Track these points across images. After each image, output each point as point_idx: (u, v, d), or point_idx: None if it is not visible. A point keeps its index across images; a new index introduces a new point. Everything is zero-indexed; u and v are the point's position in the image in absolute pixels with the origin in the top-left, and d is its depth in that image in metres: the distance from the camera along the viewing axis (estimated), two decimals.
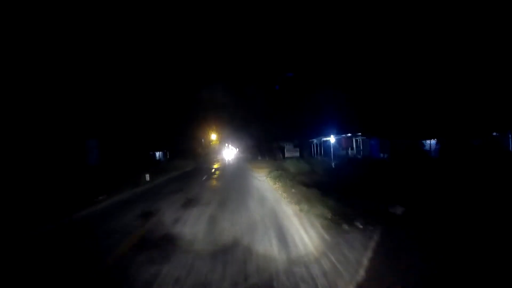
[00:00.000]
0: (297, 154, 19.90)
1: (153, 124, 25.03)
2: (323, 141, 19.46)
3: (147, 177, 12.26)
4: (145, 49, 22.55)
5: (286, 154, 20.13)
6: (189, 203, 6.34)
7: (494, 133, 15.96)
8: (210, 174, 14.24)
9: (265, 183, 9.61)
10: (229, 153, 50.01)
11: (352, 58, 19.85)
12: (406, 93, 18.44)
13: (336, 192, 6.80)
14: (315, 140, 19.89)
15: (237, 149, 53.24)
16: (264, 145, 28.71)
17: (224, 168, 18.61)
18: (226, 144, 54.82)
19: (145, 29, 22.44)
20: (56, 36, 14.61)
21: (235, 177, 12.20)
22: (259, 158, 30.37)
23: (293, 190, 7.56)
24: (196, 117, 35.47)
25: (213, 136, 48.97)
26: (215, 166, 21.86)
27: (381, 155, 19.92)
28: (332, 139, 20.05)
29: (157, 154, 33.22)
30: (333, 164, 16.60)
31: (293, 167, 13.92)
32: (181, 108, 30.29)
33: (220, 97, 32.30)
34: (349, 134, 19.12)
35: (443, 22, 16.67)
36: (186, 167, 20.59)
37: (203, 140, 46.22)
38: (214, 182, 10.52)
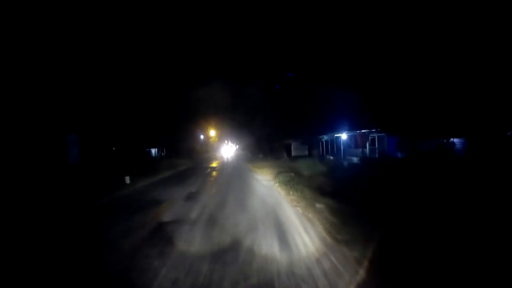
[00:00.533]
0: (306, 152, 17.63)
1: (150, 119, 23.02)
2: (335, 137, 17.19)
3: (127, 180, 10.03)
4: (143, 42, 20.25)
5: (293, 153, 17.85)
6: (161, 234, 4.00)
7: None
8: (205, 176, 12.01)
9: (274, 191, 7.39)
10: (228, 150, 47.71)
11: (368, 49, 17.54)
12: (429, 88, 16.23)
13: (381, 209, 4.63)
14: (325, 137, 17.64)
15: (237, 146, 50.93)
16: (266, 143, 26.52)
17: (222, 168, 16.37)
18: (226, 141, 52.62)
19: (146, 22, 20.10)
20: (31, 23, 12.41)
21: (234, 181, 9.98)
22: (261, 156, 28.33)
23: (317, 205, 5.35)
24: (195, 113, 33.30)
25: (212, 133, 46.80)
26: (213, 165, 19.64)
27: (398, 154, 17.72)
28: (344, 136, 17.84)
29: (153, 151, 31.44)
30: (350, 164, 14.42)
31: (305, 168, 11.69)
32: (180, 104, 28.13)
33: (220, 93, 30.09)
34: (363, 131, 16.87)
35: (472, 11, 14.47)
36: (180, 166, 18.36)
37: (202, 137, 44.07)
38: (208, 189, 8.30)
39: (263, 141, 27.05)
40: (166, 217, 4.91)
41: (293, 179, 9.14)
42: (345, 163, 15.11)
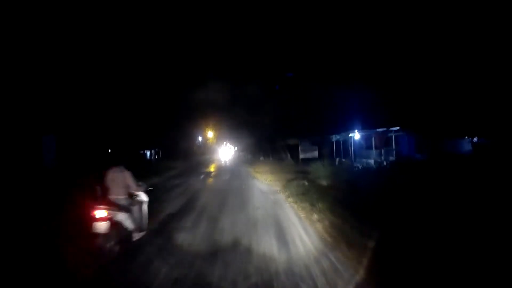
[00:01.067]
0: (315, 154, 15.38)
1: (144, 120, 21.01)
2: (350, 137, 14.99)
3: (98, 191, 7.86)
4: (137, 36, 18.00)
5: (301, 155, 15.61)
6: None
7: None
8: (197, 185, 9.80)
9: (288, 212, 5.21)
10: (227, 152, 45.39)
11: (386, 38, 15.38)
12: (459, 79, 14.11)
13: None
14: (337, 137, 15.46)
15: (236, 148, 48.66)
16: (268, 143, 24.33)
17: (219, 174, 14.17)
18: (224, 143, 50.39)
19: (140, 15, 17.83)
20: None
21: (233, 194, 7.78)
22: (261, 158, 26.27)
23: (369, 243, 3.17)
24: (193, 114, 31.14)
25: (210, 134, 44.63)
26: (209, 169, 17.45)
27: (417, 156, 15.56)
28: (357, 135, 15.67)
29: (148, 153, 29.54)
30: (371, 168, 12.28)
31: (319, 174, 9.46)
32: (177, 104, 25.98)
33: (218, 93, 27.93)
34: (380, 129, 14.67)
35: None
36: (172, 170, 16.21)
37: (200, 138, 41.91)
38: (196, 208, 6.12)
39: (263, 141, 24.87)
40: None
41: (309, 191, 6.97)
42: (364, 167, 12.98)
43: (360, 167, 13.52)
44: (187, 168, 18.61)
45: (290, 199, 6.13)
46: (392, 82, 15.66)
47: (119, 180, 3.42)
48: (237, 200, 6.47)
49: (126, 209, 3.36)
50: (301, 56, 19.05)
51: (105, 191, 3.38)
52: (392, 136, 15.67)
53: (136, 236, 3.55)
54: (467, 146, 17.34)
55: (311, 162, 14.83)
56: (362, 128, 15.52)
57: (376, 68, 16.13)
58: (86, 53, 14.67)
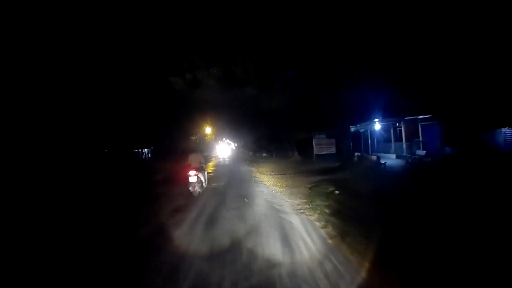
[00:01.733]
0: (333, 149, 12.93)
1: (138, 116, 18.94)
2: (371, 128, 12.53)
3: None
4: (129, 31, 15.26)
5: (316, 150, 13.11)
6: None
7: None
8: (182, 199, 7.35)
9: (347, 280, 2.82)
10: (226, 149, 42.95)
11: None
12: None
13: None
14: (357, 127, 13.00)
15: (235, 144, 46.14)
16: (271, 139, 21.96)
17: (217, 177, 11.73)
18: (223, 139, 47.93)
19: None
20: None
21: (231, 219, 5.36)
22: (264, 155, 24.08)
23: None
24: (190, 110, 28.78)
25: (208, 130, 42.03)
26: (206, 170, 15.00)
27: (447, 149, 13.17)
28: (377, 125, 13.28)
29: (144, 151, 27.47)
30: (405, 167, 9.90)
31: (351, 178, 7.07)
32: (173, 99, 23.58)
33: (216, 86, 25.43)
34: (408, 118, 12.21)
35: None
36: (163, 172, 13.81)
37: (198, 136, 39.37)
38: (186, 233, 3.72)
39: (265, 137, 22.49)
40: None
41: (348, 206, 4.57)
42: (393, 164, 10.60)
43: (387, 163, 11.19)
44: (180, 169, 16.16)
45: (330, 230, 3.68)
46: (419, 63, 13.15)
47: (196, 158, 7.49)
48: (234, 240, 3.98)
49: (201, 171, 7.35)
50: (308, 41, 16.43)
51: (189, 163, 7.26)
52: (418, 126, 13.25)
53: (204, 185, 7.68)
54: (500, 139, 14.96)
55: (327, 158, 12.49)
56: (383, 117, 13.11)
57: (397, 48, 13.57)
58: (74, 48, 12.27)
